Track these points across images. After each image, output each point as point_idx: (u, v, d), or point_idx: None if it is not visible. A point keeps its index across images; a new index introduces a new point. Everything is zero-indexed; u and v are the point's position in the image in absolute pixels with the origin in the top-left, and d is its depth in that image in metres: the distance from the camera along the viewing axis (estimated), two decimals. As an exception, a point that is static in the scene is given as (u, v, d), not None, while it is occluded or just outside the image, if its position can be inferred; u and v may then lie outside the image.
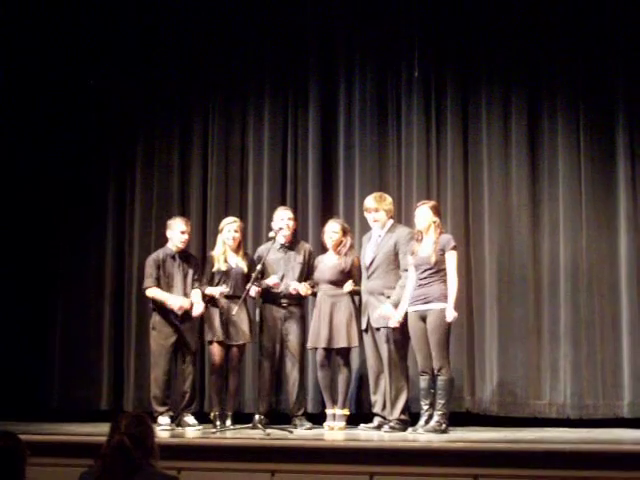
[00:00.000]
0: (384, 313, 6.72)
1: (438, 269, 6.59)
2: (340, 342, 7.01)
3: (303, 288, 7.17)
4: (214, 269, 7.27)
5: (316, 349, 7.12)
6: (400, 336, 6.74)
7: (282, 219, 7.29)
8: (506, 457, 5.32)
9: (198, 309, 7.20)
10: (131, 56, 8.55)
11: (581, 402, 7.24)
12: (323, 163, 8.13)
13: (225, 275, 7.24)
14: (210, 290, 7.22)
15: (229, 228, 7.31)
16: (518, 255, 7.57)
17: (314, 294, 7.25)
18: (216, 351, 7.19)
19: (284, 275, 7.26)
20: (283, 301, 7.23)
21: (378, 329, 6.85)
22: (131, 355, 8.25)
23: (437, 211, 6.83)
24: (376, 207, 6.99)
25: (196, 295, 7.26)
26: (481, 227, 7.68)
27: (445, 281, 6.59)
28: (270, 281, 7.17)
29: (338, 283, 7.10)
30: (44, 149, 8.52)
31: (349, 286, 7.07)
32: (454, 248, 6.66)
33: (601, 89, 7.52)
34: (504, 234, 7.62)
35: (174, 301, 7.18)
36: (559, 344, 7.37)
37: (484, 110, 7.77)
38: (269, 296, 7.24)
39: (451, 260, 6.62)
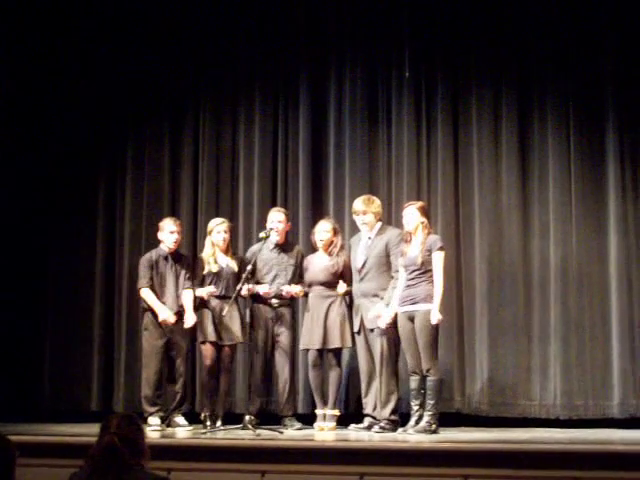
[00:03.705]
0: (376, 313, 6.73)
1: (425, 270, 6.60)
2: (334, 342, 7.03)
3: (297, 289, 7.18)
4: (205, 271, 7.27)
5: (308, 350, 7.14)
6: (392, 337, 6.75)
7: (272, 221, 7.29)
8: (496, 457, 5.33)
9: (189, 321, 7.21)
10: (122, 56, 8.53)
11: (571, 402, 7.26)
12: (313, 163, 8.13)
13: (216, 276, 7.24)
14: (199, 292, 7.23)
15: (218, 229, 7.31)
16: (508, 256, 7.59)
17: (305, 294, 7.26)
18: (208, 351, 7.19)
19: (276, 275, 7.27)
20: (274, 302, 7.23)
21: (372, 330, 6.86)
22: (121, 355, 8.23)
23: (425, 212, 6.84)
24: (364, 210, 7.00)
25: (188, 300, 7.26)
26: (471, 228, 7.69)
27: (432, 282, 6.60)
28: (261, 289, 7.17)
29: (330, 284, 7.11)
30: (34, 149, 8.49)
31: (343, 288, 7.07)
32: (441, 249, 6.66)
33: (591, 91, 7.54)
34: (494, 235, 7.63)
35: (161, 312, 7.19)
36: (549, 345, 7.38)
37: (474, 111, 7.78)
38: (260, 297, 7.24)
39: (438, 261, 6.63)
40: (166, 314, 7.18)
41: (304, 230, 7.92)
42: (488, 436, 6.49)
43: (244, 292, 7.04)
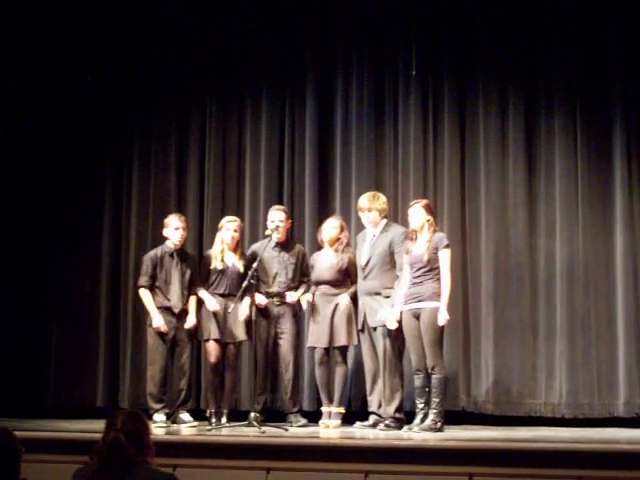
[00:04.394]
0: (384, 317, 6.72)
1: (431, 267, 6.59)
2: (341, 340, 7.03)
3: (299, 294, 7.22)
4: (211, 267, 7.26)
5: (315, 348, 7.14)
6: (396, 335, 6.75)
7: (272, 221, 7.29)
8: (501, 456, 5.32)
9: (191, 322, 7.22)
10: (128, 54, 8.54)
11: (576, 401, 7.25)
12: (320, 161, 8.13)
13: (221, 274, 7.25)
14: (203, 295, 7.23)
15: (228, 227, 7.32)
16: (514, 254, 7.58)
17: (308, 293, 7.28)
18: (212, 349, 7.20)
19: (277, 274, 7.28)
20: (275, 300, 7.24)
21: (375, 329, 6.86)
22: (127, 352, 8.24)
23: (430, 209, 6.84)
24: (369, 207, 6.99)
25: (192, 304, 7.29)
26: (478, 226, 7.68)
27: (438, 279, 6.59)
28: (257, 299, 7.17)
29: (336, 283, 7.11)
30: (40, 147, 8.50)
31: (345, 299, 7.05)
32: (447, 246, 6.66)
33: (598, 89, 7.53)
34: (500, 233, 7.62)
35: (155, 319, 7.19)
36: (555, 343, 7.37)
37: (481, 109, 7.77)
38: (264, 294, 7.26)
39: (444, 259, 6.62)
40: (159, 322, 7.18)
41: (310, 227, 7.92)
42: (493, 434, 6.48)
43: (262, 302, 7.14)
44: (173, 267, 7.32)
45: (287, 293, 7.23)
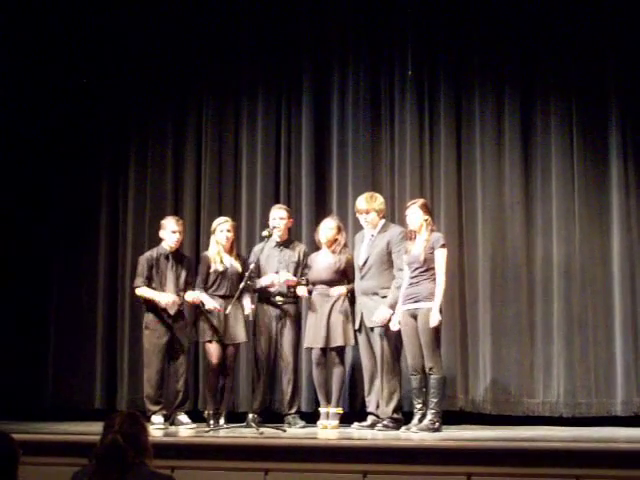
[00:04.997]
0: (382, 318, 6.73)
1: (427, 267, 6.59)
2: (337, 341, 7.02)
3: (301, 289, 7.19)
4: (211, 270, 7.25)
5: (312, 349, 7.14)
6: (394, 335, 6.75)
7: (274, 218, 7.29)
8: (499, 455, 5.32)
9: (193, 295, 7.20)
10: (124, 55, 8.54)
11: (574, 400, 7.26)
12: (316, 162, 8.13)
13: (221, 275, 7.23)
14: (202, 296, 7.21)
15: (221, 228, 7.30)
16: (511, 254, 7.59)
17: (309, 292, 7.26)
18: (212, 350, 7.18)
19: (278, 272, 7.26)
20: (278, 299, 7.23)
21: (372, 329, 6.86)
22: (124, 354, 8.24)
23: (427, 209, 6.83)
24: (367, 208, 6.98)
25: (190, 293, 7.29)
26: (474, 226, 7.69)
27: (435, 280, 6.59)
28: (264, 281, 7.17)
29: (333, 283, 7.10)
30: (37, 147, 8.49)
31: (338, 290, 7.05)
32: (443, 246, 6.65)
33: (594, 89, 7.54)
34: (497, 233, 7.63)
35: (162, 298, 7.18)
36: (552, 342, 7.38)
37: (477, 109, 7.78)
38: (264, 295, 7.25)
39: (440, 258, 6.61)
40: (167, 298, 7.17)
41: (307, 228, 7.93)
42: (491, 434, 6.48)
43: (267, 282, 7.13)
44: (168, 269, 7.31)
45: (280, 272, 7.21)
